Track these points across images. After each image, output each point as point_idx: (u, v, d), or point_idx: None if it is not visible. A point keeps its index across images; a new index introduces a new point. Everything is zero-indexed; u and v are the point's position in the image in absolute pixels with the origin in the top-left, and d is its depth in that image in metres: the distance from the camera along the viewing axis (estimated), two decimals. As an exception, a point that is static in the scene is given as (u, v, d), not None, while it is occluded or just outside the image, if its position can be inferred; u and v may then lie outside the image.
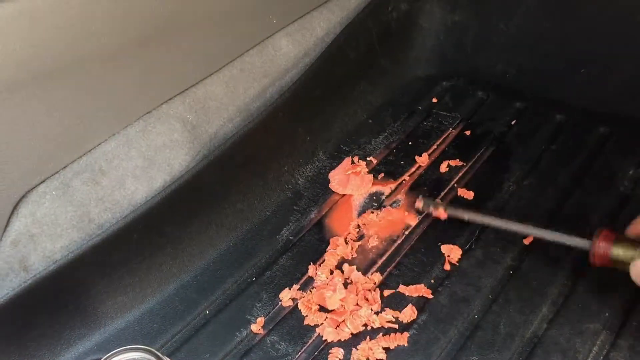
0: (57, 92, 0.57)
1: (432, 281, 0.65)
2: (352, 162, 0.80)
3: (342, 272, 0.67)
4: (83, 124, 0.61)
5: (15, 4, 0.51)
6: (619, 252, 0.53)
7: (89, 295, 0.62)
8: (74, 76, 0.58)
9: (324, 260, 0.68)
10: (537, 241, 0.66)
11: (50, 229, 0.59)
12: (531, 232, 0.62)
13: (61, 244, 0.60)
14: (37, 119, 0.57)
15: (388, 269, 0.67)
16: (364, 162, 0.79)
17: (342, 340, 0.60)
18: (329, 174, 0.79)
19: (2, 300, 0.55)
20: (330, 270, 0.67)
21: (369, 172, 0.78)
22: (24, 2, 0.51)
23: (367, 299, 0.63)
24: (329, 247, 0.70)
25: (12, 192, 0.57)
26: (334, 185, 0.77)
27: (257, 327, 0.62)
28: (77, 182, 0.61)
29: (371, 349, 0.59)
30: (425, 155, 0.79)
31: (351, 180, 0.77)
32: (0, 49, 0.51)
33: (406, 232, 0.70)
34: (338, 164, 0.80)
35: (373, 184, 0.77)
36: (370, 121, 0.87)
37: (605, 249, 0.53)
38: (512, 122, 0.83)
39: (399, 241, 0.70)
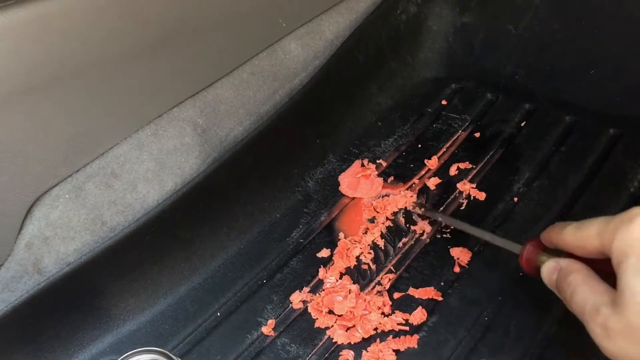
0: (70, 96, 0.58)
1: (442, 284, 0.65)
2: (362, 165, 0.80)
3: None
4: (95, 127, 0.61)
5: (27, 9, 0.52)
6: (544, 259, 0.50)
7: (101, 297, 0.63)
8: (86, 80, 0.58)
9: (333, 263, 0.69)
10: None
11: (64, 232, 0.60)
12: (474, 233, 0.65)
13: (74, 246, 0.60)
14: (50, 123, 0.57)
15: (398, 272, 0.67)
16: (374, 165, 0.80)
17: (353, 342, 0.61)
18: (339, 177, 0.79)
19: (16, 303, 0.56)
20: (340, 273, 0.67)
21: (379, 175, 0.78)
22: (36, 7, 0.52)
23: (376, 303, 0.63)
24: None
25: (26, 195, 0.57)
26: (343, 188, 0.77)
27: (267, 329, 0.63)
28: (90, 186, 0.61)
29: (381, 351, 0.59)
30: (434, 158, 0.79)
31: (361, 183, 0.77)
32: (14, 53, 0.52)
33: (416, 236, 0.71)
34: (348, 166, 0.80)
35: (383, 187, 0.77)
36: (379, 124, 0.87)
37: (532, 254, 0.51)
38: (522, 124, 0.82)
39: (409, 244, 0.70)
